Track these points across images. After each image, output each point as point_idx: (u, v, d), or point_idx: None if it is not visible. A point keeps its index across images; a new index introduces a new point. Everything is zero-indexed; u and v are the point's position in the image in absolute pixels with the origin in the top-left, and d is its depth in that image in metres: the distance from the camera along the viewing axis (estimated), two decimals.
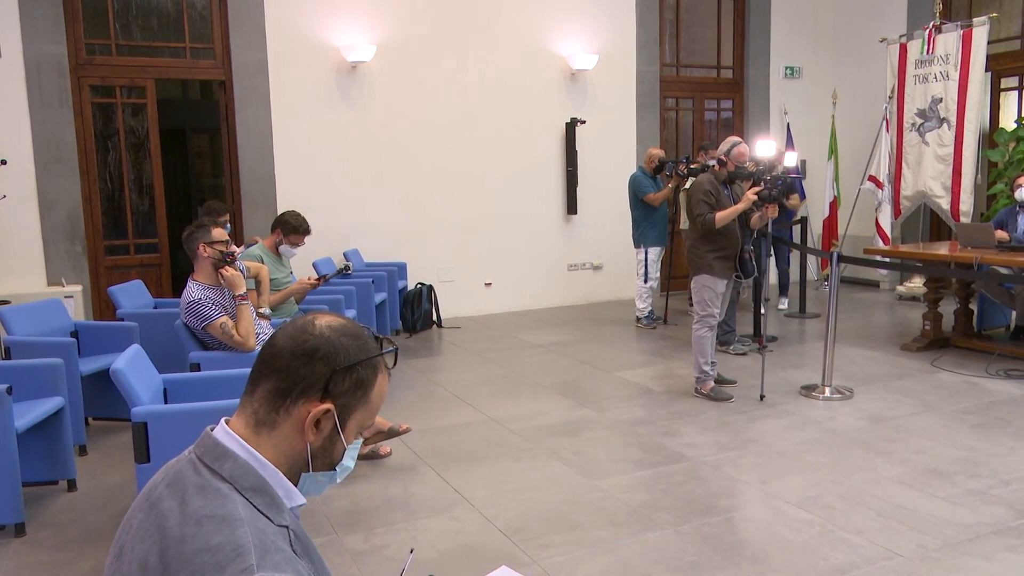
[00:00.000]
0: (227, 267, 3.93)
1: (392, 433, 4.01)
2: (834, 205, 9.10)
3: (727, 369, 5.50)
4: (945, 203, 7.82)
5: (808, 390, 5.07)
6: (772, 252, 7.51)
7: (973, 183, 7.61)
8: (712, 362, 5.07)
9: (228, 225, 5.90)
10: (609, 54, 8.31)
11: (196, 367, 3.80)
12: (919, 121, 8.02)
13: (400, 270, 7.41)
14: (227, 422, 1.18)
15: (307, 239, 5.22)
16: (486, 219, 7.99)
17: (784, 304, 7.94)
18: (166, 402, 3.30)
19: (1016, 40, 8.14)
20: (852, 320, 7.21)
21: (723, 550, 3.05)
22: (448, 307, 7.71)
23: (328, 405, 1.15)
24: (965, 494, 3.48)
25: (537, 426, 4.59)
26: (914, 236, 8.67)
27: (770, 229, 5.55)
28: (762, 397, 4.95)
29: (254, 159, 7.09)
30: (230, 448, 1.13)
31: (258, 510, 1.09)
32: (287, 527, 1.13)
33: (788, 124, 9.18)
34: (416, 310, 7.28)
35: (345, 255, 7.18)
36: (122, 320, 4.96)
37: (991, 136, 8.01)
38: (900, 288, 8.53)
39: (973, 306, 6.34)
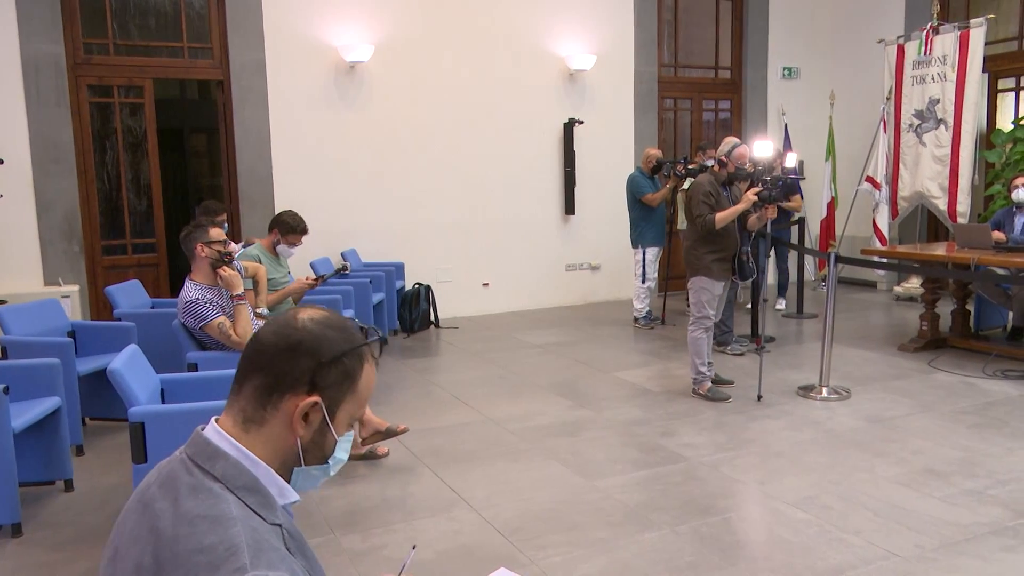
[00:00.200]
0: (225, 267, 3.93)
1: (390, 433, 4.01)
2: (832, 206, 9.11)
3: (725, 369, 5.50)
4: (942, 204, 7.83)
5: (806, 390, 5.08)
6: (772, 253, 7.52)
7: (970, 184, 7.63)
8: (709, 363, 5.07)
9: (225, 225, 5.90)
10: (607, 54, 8.32)
11: (194, 367, 3.80)
12: (916, 122, 8.03)
13: (398, 270, 7.41)
14: (217, 421, 1.17)
15: (305, 239, 5.21)
16: (484, 219, 7.99)
17: (782, 305, 7.95)
18: (164, 402, 3.30)
19: (1013, 41, 8.16)
20: (849, 321, 7.22)
21: (721, 550, 3.06)
22: (446, 307, 7.71)
23: (316, 398, 1.15)
24: (962, 494, 3.49)
25: (535, 426, 4.59)
26: (911, 237, 8.69)
27: (769, 230, 5.56)
28: (760, 397, 4.95)
29: (252, 159, 7.09)
30: (221, 447, 1.13)
31: (251, 509, 1.09)
32: (280, 525, 1.13)
33: (786, 125, 9.18)
34: (414, 310, 7.28)
35: (343, 255, 7.17)
36: (119, 320, 4.96)
37: (988, 137, 8.03)
38: (897, 289, 8.54)
39: (970, 307, 6.35)
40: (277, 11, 7.02)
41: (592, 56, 8.15)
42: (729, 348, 6.18)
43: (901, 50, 8.15)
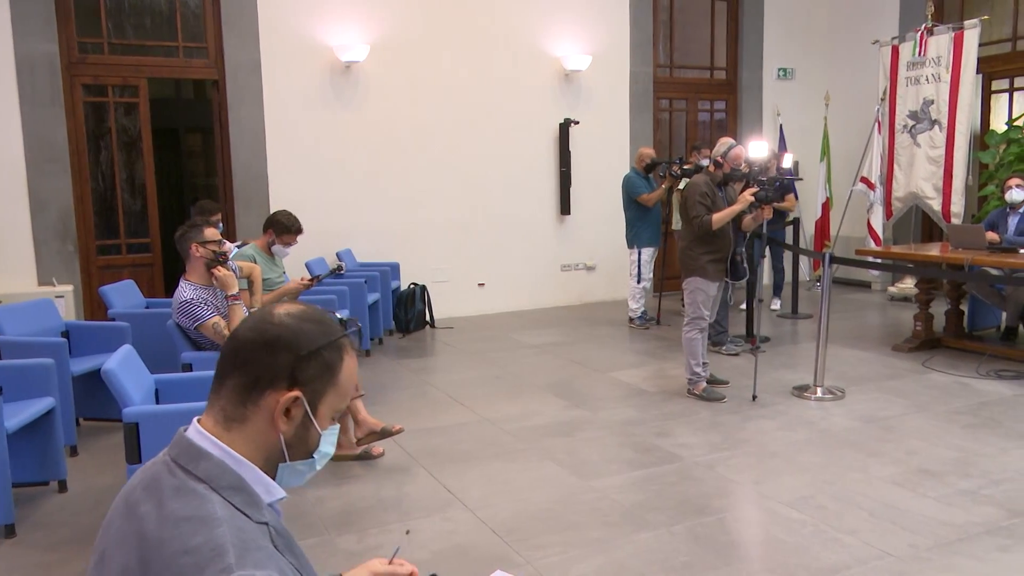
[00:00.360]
0: (219, 267, 3.92)
1: (385, 433, 4.00)
2: (826, 206, 9.14)
3: (720, 369, 5.51)
4: (936, 204, 7.86)
5: (800, 390, 5.09)
6: (767, 253, 7.53)
7: (964, 184, 7.65)
8: (704, 363, 5.08)
9: (220, 225, 5.88)
10: (603, 55, 8.32)
11: (188, 367, 3.79)
12: (911, 123, 8.06)
13: (393, 270, 7.40)
14: (199, 421, 1.17)
15: (300, 239, 5.21)
16: (479, 219, 7.99)
17: (777, 305, 7.96)
18: (158, 402, 3.29)
19: (1007, 43, 8.19)
20: (844, 321, 7.24)
21: (716, 550, 3.06)
22: (441, 307, 7.70)
23: (296, 393, 1.14)
24: (956, 494, 3.50)
25: (531, 427, 4.59)
26: (906, 237, 8.72)
27: (764, 230, 5.57)
28: (754, 397, 4.96)
29: (247, 159, 7.07)
30: (204, 448, 1.12)
31: (237, 508, 1.09)
32: (267, 523, 1.13)
33: (781, 125, 9.21)
34: (409, 310, 7.27)
35: (338, 255, 7.16)
36: (114, 320, 4.94)
37: (982, 138, 8.05)
38: (892, 289, 8.57)
39: (964, 307, 6.37)
40: (272, 10, 7.01)
41: (588, 56, 8.16)
42: (724, 348, 6.18)
43: (896, 51, 8.17)
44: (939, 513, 3.31)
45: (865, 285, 9.16)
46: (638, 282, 7.19)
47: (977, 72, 7.61)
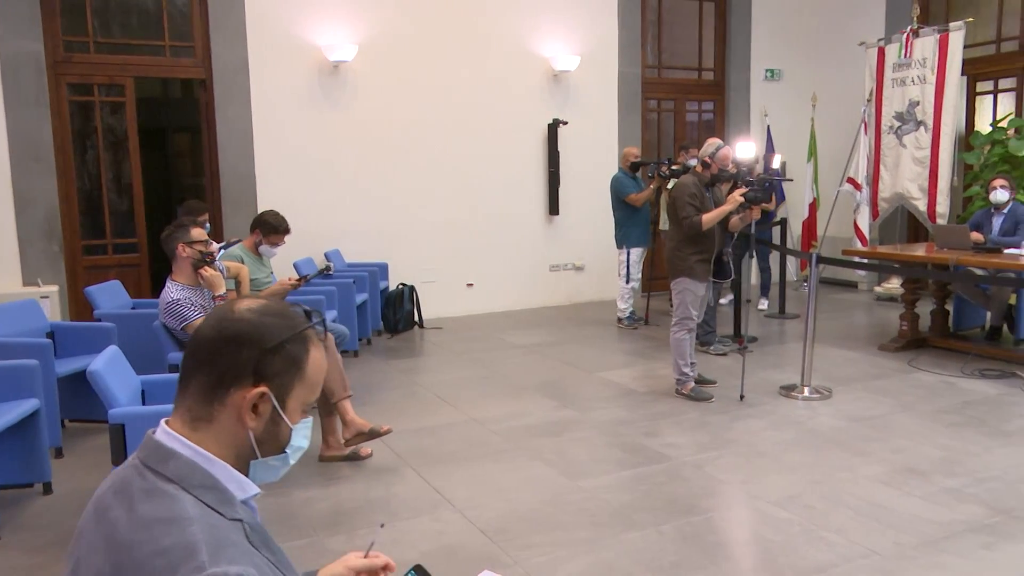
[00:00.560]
0: (206, 267, 3.91)
1: (373, 434, 3.99)
2: (813, 207, 9.18)
3: (707, 369, 5.53)
4: (922, 205, 7.91)
5: (787, 390, 5.11)
6: (755, 253, 7.56)
7: (949, 185, 7.71)
8: (692, 363, 5.10)
9: (207, 225, 5.85)
10: (591, 55, 8.33)
11: (175, 368, 3.77)
12: (897, 124, 8.11)
13: (382, 270, 7.38)
14: (167, 423, 1.15)
15: (287, 239, 5.19)
16: (468, 219, 7.98)
17: (764, 305, 8.00)
18: (144, 404, 3.27)
19: (992, 44, 8.26)
20: (831, 321, 7.28)
21: (704, 550, 3.07)
22: (430, 308, 7.69)
23: (262, 388, 1.13)
24: (942, 492, 3.53)
25: (519, 427, 4.59)
26: (892, 237, 8.78)
27: (752, 230, 5.59)
28: (742, 397, 4.98)
29: (235, 159, 7.04)
30: (173, 448, 1.11)
31: (209, 507, 1.08)
32: (241, 520, 1.12)
33: (768, 126, 9.25)
34: (398, 311, 7.26)
35: (326, 255, 7.14)
36: (99, 321, 4.90)
37: (967, 139, 8.12)
38: (878, 289, 8.62)
39: (949, 307, 6.42)
40: (260, 9, 6.98)
41: (576, 57, 8.17)
42: (712, 348, 6.21)
43: (882, 52, 8.23)
44: (924, 511, 3.34)
45: (852, 285, 9.22)
46: (627, 282, 7.21)
47: (962, 74, 7.66)
